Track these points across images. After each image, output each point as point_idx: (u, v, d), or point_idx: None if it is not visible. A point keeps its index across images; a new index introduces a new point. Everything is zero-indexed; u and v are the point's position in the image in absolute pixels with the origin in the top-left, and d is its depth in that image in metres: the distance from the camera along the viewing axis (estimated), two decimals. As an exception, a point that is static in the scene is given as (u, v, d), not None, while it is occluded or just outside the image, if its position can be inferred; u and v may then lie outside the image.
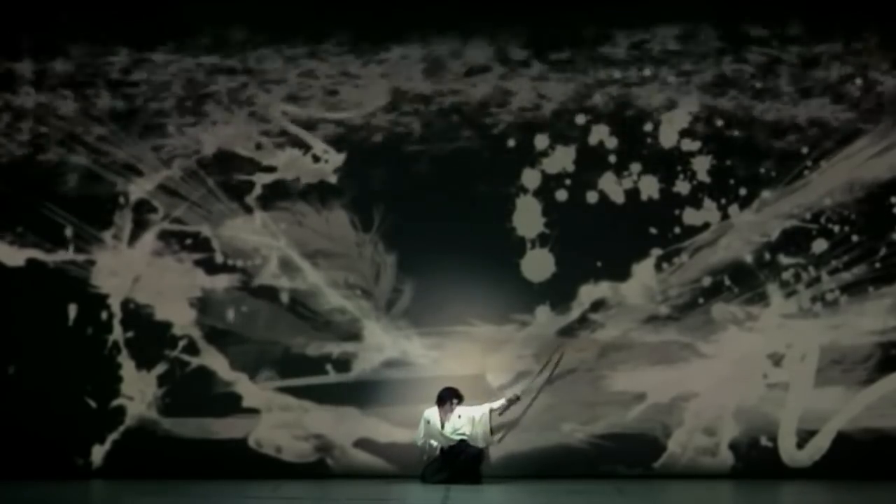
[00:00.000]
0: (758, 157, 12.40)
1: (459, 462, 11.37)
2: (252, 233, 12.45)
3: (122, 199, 12.43)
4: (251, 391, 12.28)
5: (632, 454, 12.13)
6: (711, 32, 12.49)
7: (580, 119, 12.47)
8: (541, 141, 12.46)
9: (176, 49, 12.52)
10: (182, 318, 12.36)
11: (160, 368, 12.32)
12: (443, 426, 11.48)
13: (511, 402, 11.53)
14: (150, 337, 12.35)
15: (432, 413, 11.54)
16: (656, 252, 12.35)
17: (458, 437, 11.43)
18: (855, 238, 12.32)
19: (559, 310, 12.29)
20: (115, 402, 12.29)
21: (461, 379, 11.93)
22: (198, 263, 12.41)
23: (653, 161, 12.38)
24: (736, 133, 12.43)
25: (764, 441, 12.15)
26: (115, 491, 11.19)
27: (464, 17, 12.48)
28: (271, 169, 12.49)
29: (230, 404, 12.27)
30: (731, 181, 12.39)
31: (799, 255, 12.31)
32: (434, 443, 11.49)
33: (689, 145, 12.45)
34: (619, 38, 12.49)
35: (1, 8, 12.46)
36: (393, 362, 12.31)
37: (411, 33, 12.51)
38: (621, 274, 12.33)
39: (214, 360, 12.32)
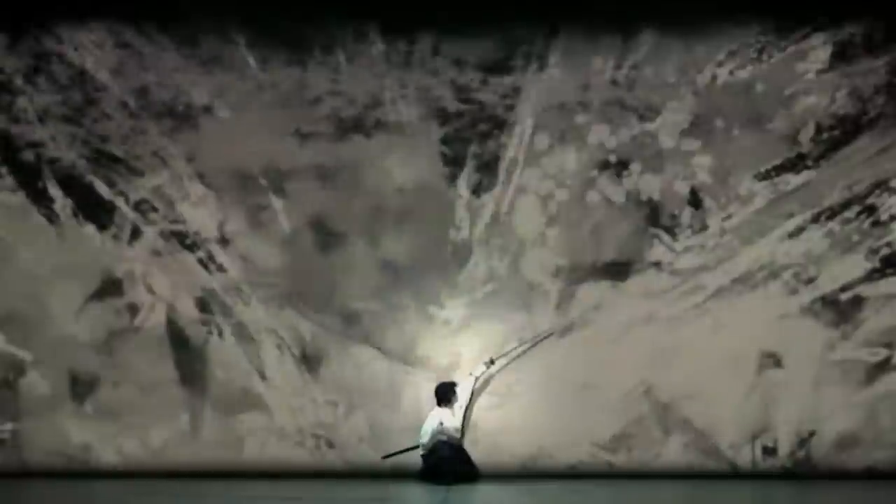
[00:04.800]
0: (758, 157, 12.40)
1: (443, 461, 11.40)
2: (252, 232, 12.46)
3: (122, 199, 12.43)
4: (251, 391, 12.34)
5: (632, 454, 12.11)
6: (712, 31, 12.50)
7: (581, 118, 12.48)
8: (541, 141, 12.47)
9: (179, 50, 12.52)
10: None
11: (161, 367, 12.36)
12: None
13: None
14: (150, 337, 12.38)
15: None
16: (656, 252, 12.35)
17: (437, 437, 11.51)
18: (855, 238, 12.31)
19: (559, 310, 12.29)
20: (116, 402, 12.33)
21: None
22: (198, 263, 12.40)
23: (653, 161, 12.41)
24: (736, 132, 12.43)
25: (764, 441, 12.14)
26: (115, 491, 11.18)
27: (466, 15, 12.48)
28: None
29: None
30: (731, 181, 12.39)
31: (799, 255, 12.31)
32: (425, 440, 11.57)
33: (689, 145, 12.45)
34: (617, 37, 12.50)
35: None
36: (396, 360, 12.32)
37: (413, 22, 12.52)
38: (621, 274, 12.32)
39: (216, 359, 12.37)
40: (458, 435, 11.64)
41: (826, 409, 12.09)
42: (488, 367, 12.04)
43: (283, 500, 10.60)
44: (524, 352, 12.11)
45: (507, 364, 12.12)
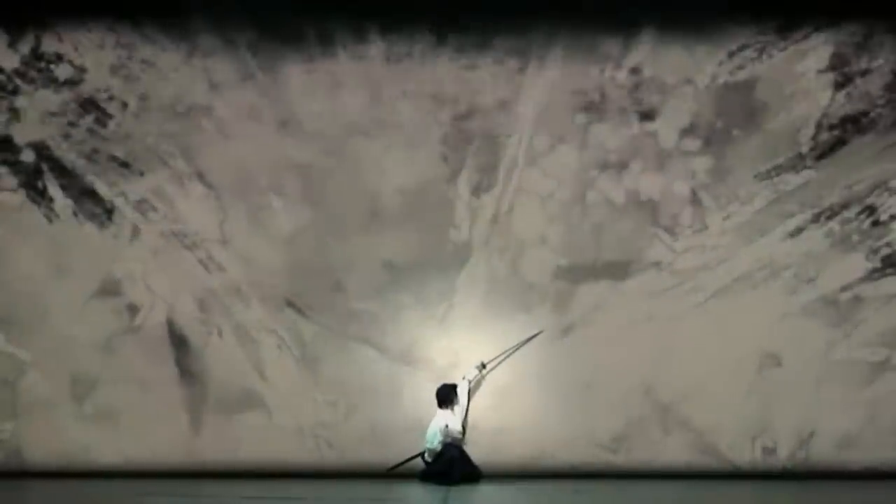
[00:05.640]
0: (758, 157, 12.41)
1: (453, 462, 11.40)
2: (252, 232, 12.46)
3: (122, 199, 12.43)
4: (251, 390, 12.34)
5: (632, 453, 12.11)
6: (712, 31, 12.51)
7: (581, 118, 12.49)
8: (541, 141, 12.47)
9: (179, 50, 12.52)
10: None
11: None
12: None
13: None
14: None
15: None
16: (656, 252, 12.35)
17: (444, 440, 11.52)
18: (855, 238, 12.32)
19: (559, 310, 12.29)
20: (116, 402, 12.33)
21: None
22: (198, 263, 12.40)
23: (653, 161, 12.42)
24: (736, 132, 12.43)
25: (764, 441, 12.14)
26: (115, 491, 11.18)
27: (466, 15, 12.49)
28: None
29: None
30: (731, 181, 12.39)
31: (799, 255, 12.31)
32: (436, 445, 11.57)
33: (689, 145, 12.46)
34: (617, 37, 12.51)
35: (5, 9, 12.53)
36: (396, 360, 12.32)
37: (413, 22, 12.52)
38: (621, 274, 12.32)
39: (217, 358, 12.37)
40: (461, 436, 11.65)
41: (826, 409, 12.09)
42: (480, 371, 12.03)
43: (283, 500, 10.60)
44: (513, 352, 12.09)
45: (498, 366, 12.11)
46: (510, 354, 12.09)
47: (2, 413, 12.14)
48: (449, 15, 12.43)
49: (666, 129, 12.46)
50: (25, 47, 12.51)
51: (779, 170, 12.41)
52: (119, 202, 12.41)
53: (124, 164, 12.45)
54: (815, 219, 12.36)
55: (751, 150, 12.41)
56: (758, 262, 12.32)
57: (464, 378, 11.94)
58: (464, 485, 11.29)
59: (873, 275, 12.27)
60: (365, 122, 12.48)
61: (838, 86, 12.43)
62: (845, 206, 12.35)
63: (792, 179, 12.39)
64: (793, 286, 12.28)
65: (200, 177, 12.46)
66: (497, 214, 12.43)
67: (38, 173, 12.41)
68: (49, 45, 12.50)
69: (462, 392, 11.83)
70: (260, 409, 12.20)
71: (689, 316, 12.25)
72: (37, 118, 12.45)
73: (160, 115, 12.47)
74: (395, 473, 11.76)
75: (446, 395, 11.71)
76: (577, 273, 12.34)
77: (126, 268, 12.36)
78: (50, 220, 12.39)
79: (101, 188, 12.42)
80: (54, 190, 12.40)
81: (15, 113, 12.46)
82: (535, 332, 12.16)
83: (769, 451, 12.11)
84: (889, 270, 12.27)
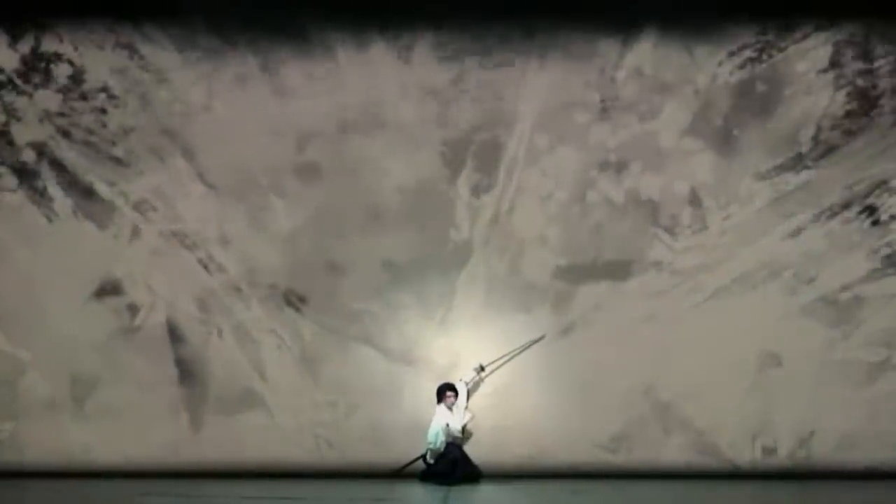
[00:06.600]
0: (758, 157, 12.41)
1: (456, 462, 11.42)
2: (252, 232, 12.45)
3: (121, 199, 12.43)
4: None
5: (632, 453, 12.11)
6: (712, 31, 12.52)
7: (581, 118, 12.48)
8: (541, 140, 12.47)
9: (179, 49, 12.52)
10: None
11: (162, 367, 12.36)
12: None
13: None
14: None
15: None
16: (656, 252, 12.35)
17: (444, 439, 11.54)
18: (855, 238, 12.32)
19: (559, 310, 12.29)
20: (116, 402, 12.32)
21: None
22: (198, 263, 12.40)
23: (653, 161, 12.42)
24: (736, 132, 12.44)
25: (764, 441, 12.14)
26: (115, 491, 11.18)
27: (466, 15, 12.49)
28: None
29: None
30: (731, 181, 12.40)
31: (799, 255, 12.31)
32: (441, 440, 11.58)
33: (689, 145, 12.46)
34: (617, 37, 12.52)
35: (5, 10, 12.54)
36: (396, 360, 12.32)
37: (413, 22, 12.52)
38: (621, 274, 12.32)
39: (216, 359, 12.36)
40: (461, 436, 11.66)
41: (826, 408, 12.09)
42: (478, 374, 12.03)
43: (283, 500, 10.60)
44: (513, 357, 12.10)
45: (498, 369, 12.11)
46: (511, 358, 12.09)
47: (2, 413, 12.15)
48: (449, 15, 12.44)
49: (666, 129, 12.47)
50: (25, 47, 12.52)
51: (779, 170, 12.42)
52: (119, 202, 12.42)
53: (124, 164, 12.46)
54: (815, 219, 12.36)
55: (751, 150, 12.41)
56: (758, 262, 12.32)
57: (461, 380, 11.92)
58: (464, 484, 11.29)
59: (873, 275, 12.27)
60: (365, 122, 12.49)
61: (838, 86, 12.45)
62: (845, 206, 12.36)
63: (792, 179, 12.39)
64: (793, 286, 12.28)
65: (200, 177, 12.47)
66: (497, 214, 12.44)
67: (38, 173, 12.42)
68: (49, 45, 12.51)
69: (461, 394, 11.82)
70: (260, 408, 12.20)
71: (689, 316, 12.25)
72: (37, 118, 12.45)
73: (160, 115, 12.48)
74: (395, 474, 11.76)
75: (441, 392, 11.70)
76: (577, 273, 12.34)
77: (126, 268, 12.36)
78: (50, 220, 12.40)
79: (101, 188, 12.42)
80: (54, 190, 12.41)
81: (15, 113, 12.45)
82: (536, 333, 12.14)
83: (769, 450, 12.11)
84: (889, 270, 12.28)
